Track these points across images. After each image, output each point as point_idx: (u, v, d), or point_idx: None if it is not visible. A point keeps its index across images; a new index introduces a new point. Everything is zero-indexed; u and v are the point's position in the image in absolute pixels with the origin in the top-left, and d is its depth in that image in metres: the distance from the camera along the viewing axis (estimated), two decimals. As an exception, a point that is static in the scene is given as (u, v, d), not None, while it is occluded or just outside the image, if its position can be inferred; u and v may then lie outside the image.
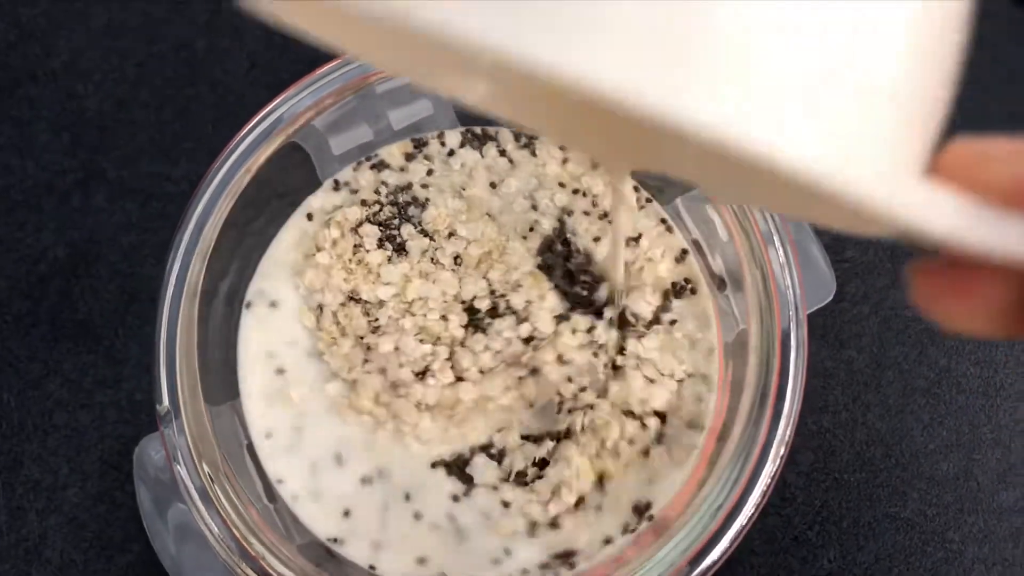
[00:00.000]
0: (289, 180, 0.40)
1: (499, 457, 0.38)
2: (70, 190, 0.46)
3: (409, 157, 0.41)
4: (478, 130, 0.42)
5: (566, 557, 0.37)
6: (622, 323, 0.39)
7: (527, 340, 0.39)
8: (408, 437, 0.38)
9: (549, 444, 0.38)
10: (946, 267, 0.19)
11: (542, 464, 0.38)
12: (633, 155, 0.28)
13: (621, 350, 0.38)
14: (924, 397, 0.44)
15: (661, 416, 0.38)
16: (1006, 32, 0.47)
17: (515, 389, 0.39)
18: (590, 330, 0.39)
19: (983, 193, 0.18)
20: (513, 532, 0.37)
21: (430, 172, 0.41)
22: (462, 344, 0.39)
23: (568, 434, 0.38)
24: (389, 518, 0.38)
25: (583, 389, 0.38)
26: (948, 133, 0.20)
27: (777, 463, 0.34)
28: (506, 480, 0.38)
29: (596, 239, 0.40)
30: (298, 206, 0.41)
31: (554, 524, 0.38)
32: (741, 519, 0.34)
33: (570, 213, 0.41)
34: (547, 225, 0.40)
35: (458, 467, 0.38)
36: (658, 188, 0.41)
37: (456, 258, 0.40)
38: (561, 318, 0.39)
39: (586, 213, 0.41)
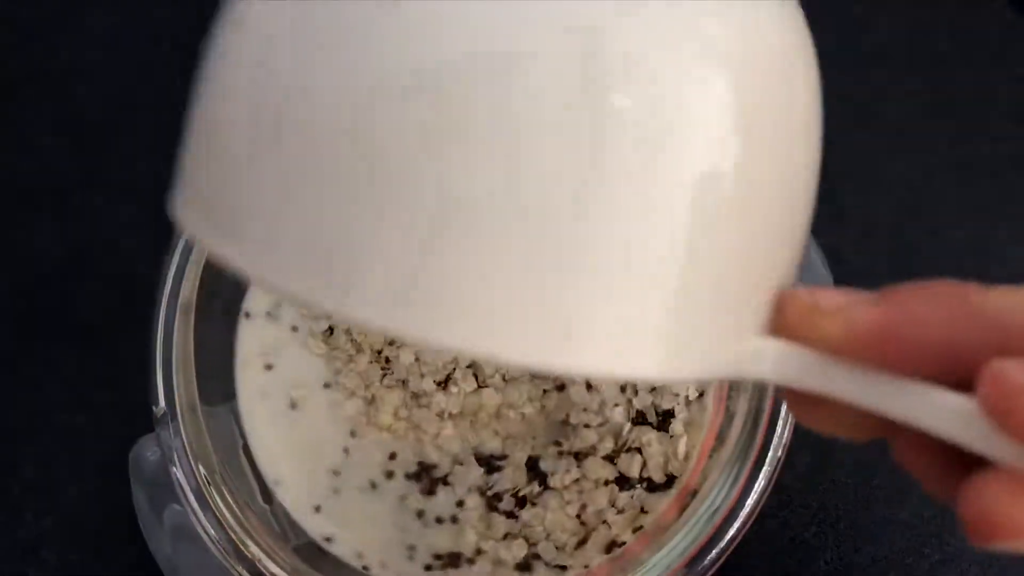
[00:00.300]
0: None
1: (494, 467, 0.38)
2: (69, 191, 0.46)
3: None
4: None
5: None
6: None
7: None
8: (428, 447, 0.38)
9: (535, 487, 0.38)
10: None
11: (521, 502, 0.38)
12: None
13: (636, 391, 0.39)
14: (922, 399, 0.44)
15: (659, 484, 0.38)
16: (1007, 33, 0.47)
17: (538, 400, 0.39)
18: None
19: (815, 345, 0.19)
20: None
21: None
22: None
23: (551, 481, 0.38)
24: (381, 515, 0.38)
25: (600, 424, 0.38)
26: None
27: (775, 466, 0.34)
28: (483, 494, 0.38)
29: None
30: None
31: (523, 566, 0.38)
32: (738, 522, 0.34)
33: None
34: None
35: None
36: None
37: None
38: None
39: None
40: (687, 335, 0.19)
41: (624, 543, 0.37)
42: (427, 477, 0.38)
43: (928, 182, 0.46)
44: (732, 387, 0.38)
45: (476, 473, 0.38)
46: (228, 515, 0.35)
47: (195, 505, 0.34)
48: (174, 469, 0.35)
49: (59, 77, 0.47)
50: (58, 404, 0.44)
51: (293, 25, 0.19)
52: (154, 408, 0.35)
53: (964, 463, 0.19)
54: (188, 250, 0.36)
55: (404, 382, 0.39)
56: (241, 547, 0.34)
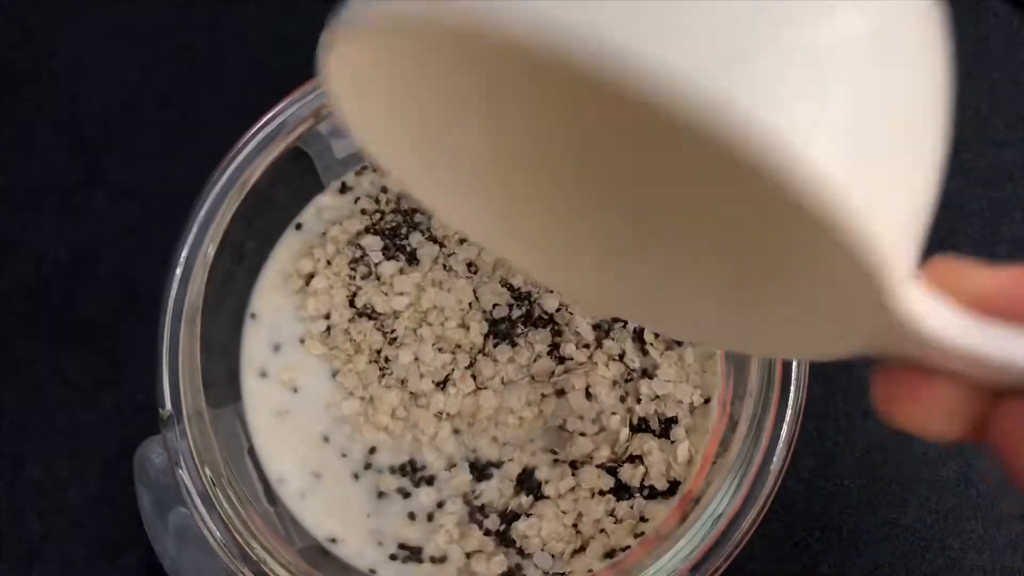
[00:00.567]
0: (293, 184, 0.40)
1: (484, 475, 0.38)
2: (72, 191, 0.46)
3: None
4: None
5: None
6: (646, 340, 0.39)
7: (560, 360, 0.39)
8: (425, 448, 0.38)
9: (525, 499, 0.38)
10: (905, 372, 0.20)
11: (511, 519, 0.38)
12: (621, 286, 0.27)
13: (638, 399, 0.39)
14: (924, 404, 0.44)
15: (661, 491, 0.38)
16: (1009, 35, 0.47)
17: (536, 405, 0.39)
18: (622, 356, 0.39)
19: (966, 300, 0.19)
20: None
21: None
22: (483, 353, 0.39)
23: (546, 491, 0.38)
24: (386, 516, 0.38)
25: (597, 433, 0.38)
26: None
27: (779, 472, 0.34)
28: (467, 502, 0.38)
29: None
30: (302, 210, 0.41)
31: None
32: (742, 527, 0.34)
33: None
34: None
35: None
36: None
37: (470, 265, 0.40)
38: (597, 329, 0.39)
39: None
40: (900, 205, 0.17)
41: (626, 548, 0.37)
42: (412, 474, 0.38)
43: (931, 187, 0.46)
44: (736, 392, 0.38)
45: (464, 479, 0.38)
46: (233, 517, 0.35)
47: (200, 507, 0.34)
48: (180, 471, 0.35)
49: (61, 76, 0.47)
50: (61, 404, 0.44)
51: None
52: (160, 410, 0.35)
53: None
54: (194, 251, 0.36)
55: (403, 382, 0.39)
56: (246, 549, 0.34)
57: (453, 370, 0.38)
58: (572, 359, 0.39)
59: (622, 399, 0.39)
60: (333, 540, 0.38)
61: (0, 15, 0.48)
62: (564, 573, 0.37)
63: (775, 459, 0.34)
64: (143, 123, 0.47)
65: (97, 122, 0.47)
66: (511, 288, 0.39)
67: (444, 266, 0.40)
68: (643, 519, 0.38)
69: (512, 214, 0.26)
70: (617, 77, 0.14)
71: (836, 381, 0.44)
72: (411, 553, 0.38)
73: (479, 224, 0.26)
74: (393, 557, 0.38)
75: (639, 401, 0.38)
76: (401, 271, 0.40)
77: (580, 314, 0.39)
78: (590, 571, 0.37)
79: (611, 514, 0.38)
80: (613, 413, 0.38)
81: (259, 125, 0.38)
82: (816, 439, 0.43)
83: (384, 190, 0.41)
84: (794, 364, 0.35)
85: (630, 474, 0.38)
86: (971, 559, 0.42)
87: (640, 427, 0.38)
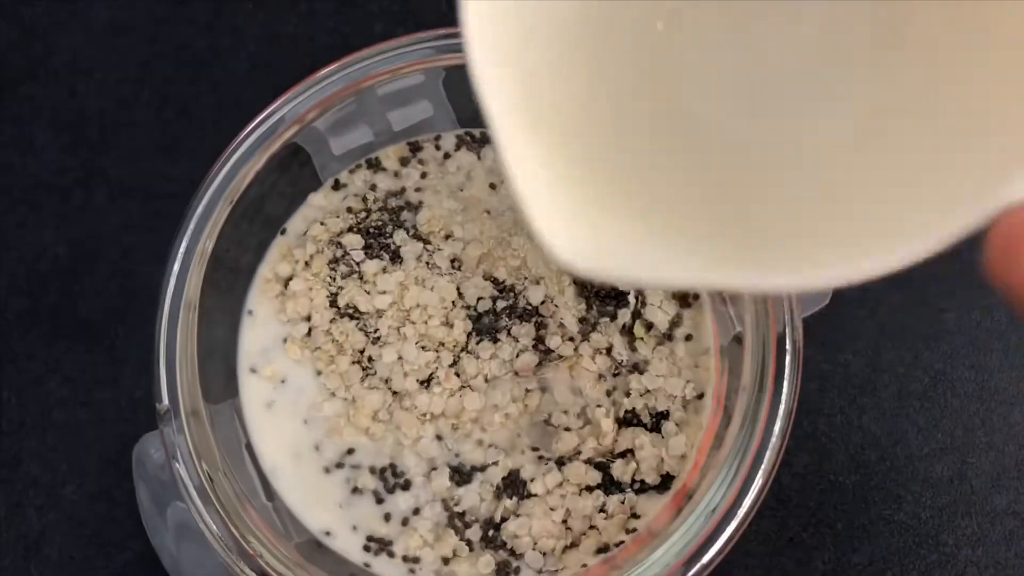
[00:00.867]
0: (290, 180, 0.40)
1: (465, 480, 0.38)
2: (70, 189, 0.46)
3: (404, 161, 0.41)
4: (476, 132, 0.42)
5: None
6: (635, 335, 0.39)
7: (546, 352, 0.39)
8: (407, 452, 0.38)
9: (509, 502, 0.38)
10: None
11: (495, 526, 0.38)
12: None
13: (627, 393, 0.39)
14: (919, 401, 0.44)
15: (653, 485, 0.38)
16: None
17: (521, 401, 0.39)
18: (609, 350, 0.39)
19: None
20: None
21: (424, 176, 0.41)
22: (466, 350, 0.39)
23: (533, 489, 0.38)
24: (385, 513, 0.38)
25: (582, 427, 0.38)
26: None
27: (772, 466, 0.34)
28: (447, 508, 0.38)
29: None
30: (299, 207, 0.41)
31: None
32: (736, 521, 0.34)
33: None
34: None
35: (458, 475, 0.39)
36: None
37: (453, 261, 0.40)
38: (583, 323, 0.39)
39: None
40: None
41: (619, 543, 0.38)
42: (391, 478, 0.38)
43: (926, 184, 0.46)
44: (730, 387, 0.38)
45: (444, 484, 0.38)
46: (230, 512, 0.35)
47: (198, 502, 0.34)
48: (177, 466, 0.35)
49: (59, 75, 0.47)
50: (60, 401, 0.44)
51: None
52: (157, 405, 0.35)
53: None
54: (192, 248, 0.37)
55: (387, 381, 0.39)
56: (243, 544, 0.34)
57: (437, 368, 0.39)
58: (557, 352, 0.39)
59: (608, 393, 0.39)
60: (328, 533, 0.38)
61: (-1, 13, 0.48)
62: (556, 570, 0.37)
63: (769, 453, 0.34)
64: (141, 121, 0.47)
65: (95, 120, 0.47)
66: (495, 281, 0.40)
67: (427, 264, 0.40)
68: (635, 515, 0.38)
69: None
70: None
71: (831, 378, 0.44)
72: (381, 546, 0.38)
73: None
74: (366, 548, 0.38)
75: (628, 395, 0.39)
76: (384, 270, 0.40)
77: (564, 308, 0.39)
78: (584, 566, 0.37)
79: (601, 510, 0.38)
80: (598, 406, 0.38)
81: (256, 122, 0.38)
82: (811, 435, 0.44)
83: (373, 187, 0.41)
84: (787, 360, 0.35)
85: (621, 470, 0.38)
86: (965, 555, 0.43)
87: (630, 421, 0.38)
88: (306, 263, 0.40)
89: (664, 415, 0.38)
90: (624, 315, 0.39)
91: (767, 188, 0.26)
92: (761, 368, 0.35)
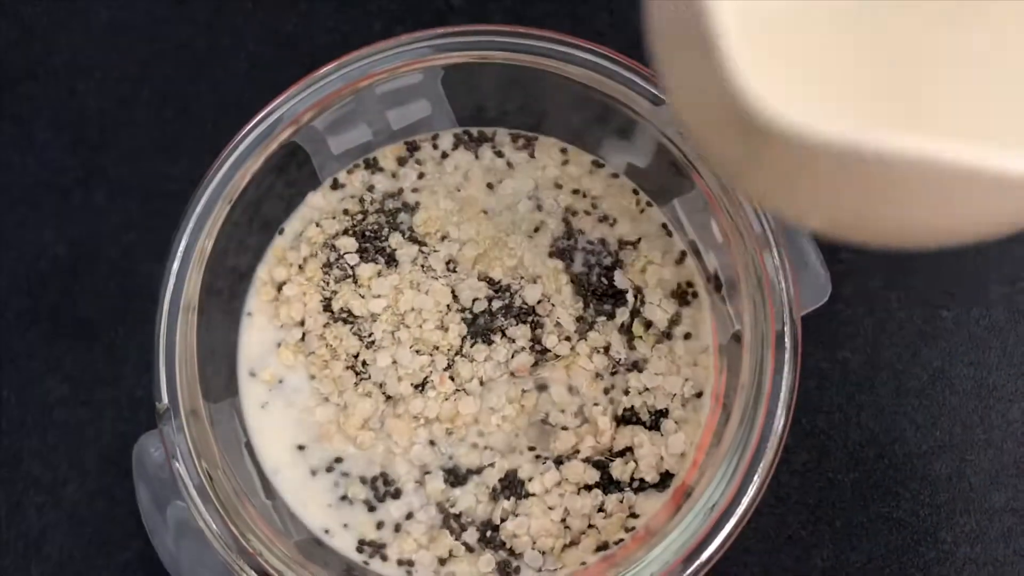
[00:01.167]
0: (289, 180, 0.40)
1: (459, 481, 0.38)
2: (70, 188, 0.46)
3: (401, 161, 0.41)
4: (474, 132, 0.42)
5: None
6: (634, 334, 0.39)
7: (542, 352, 0.39)
8: (399, 459, 0.38)
9: (506, 503, 0.38)
10: None
11: (493, 527, 0.38)
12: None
13: (626, 391, 0.39)
14: (917, 398, 0.44)
15: (651, 484, 0.38)
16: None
17: (518, 401, 0.39)
18: (607, 349, 0.39)
19: None
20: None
21: (421, 176, 0.41)
22: (460, 353, 0.39)
23: (532, 488, 0.38)
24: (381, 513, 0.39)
25: (579, 426, 0.38)
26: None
27: (771, 463, 0.34)
28: (442, 510, 0.38)
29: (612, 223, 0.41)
30: (298, 207, 0.41)
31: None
32: (735, 519, 0.34)
33: (574, 213, 0.41)
34: (553, 225, 0.41)
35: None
36: (657, 193, 0.41)
37: (449, 263, 0.40)
38: (581, 322, 0.39)
39: (588, 213, 0.41)
40: None
41: (619, 542, 0.38)
42: (381, 487, 0.38)
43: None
44: (729, 385, 0.38)
45: (438, 487, 0.38)
46: (229, 510, 0.35)
47: (197, 500, 0.35)
48: (176, 465, 0.35)
49: (59, 74, 0.47)
50: (60, 400, 0.44)
51: None
52: (157, 404, 0.35)
53: None
54: (191, 247, 0.37)
55: (381, 385, 0.39)
56: (243, 542, 0.34)
57: (431, 372, 0.39)
58: (553, 351, 0.39)
59: (606, 391, 0.39)
60: (327, 531, 0.38)
61: (-2, 13, 0.48)
62: (556, 569, 0.37)
63: (767, 451, 0.34)
64: (141, 120, 0.47)
65: (95, 119, 0.47)
66: (490, 281, 0.40)
67: (423, 267, 0.40)
68: (634, 514, 0.38)
69: None
70: None
71: (829, 376, 0.44)
72: (375, 549, 0.38)
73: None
74: (360, 551, 0.38)
75: (627, 393, 0.39)
76: (379, 273, 0.40)
77: (561, 307, 0.39)
78: (583, 564, 0.37)
79: (600, 508, 0.38)
80: (595, 405, 0.38)
81: (255, 121, 0.38)
82: (809, 433, 0.44)
83: (371, 188, 0.41)
84: (785, 357, 0.35)
85: (620, 469, 0.38)
86: (963, 552, 0.43)
87: (629, 419, 0.39)
88: (300, 267, 0.40)
89: (663, 413, 0.39)
90: (622, 314, 0.39)
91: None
92: (760, 366, 0.35)
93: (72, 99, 0.47)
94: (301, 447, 0.39)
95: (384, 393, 0.39)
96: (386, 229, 0.40)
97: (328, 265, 0.40)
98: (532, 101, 0.40)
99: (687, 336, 0.39)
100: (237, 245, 0.39)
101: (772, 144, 0.21)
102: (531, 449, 0.39)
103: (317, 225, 0.40)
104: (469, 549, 0.38)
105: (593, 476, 0.38)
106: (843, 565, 0.43)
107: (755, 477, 0.34)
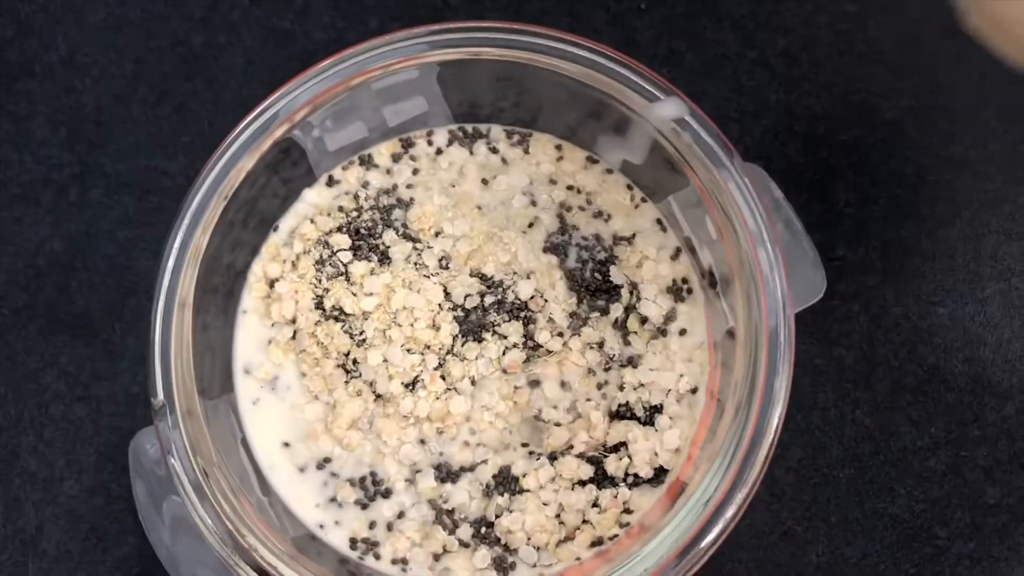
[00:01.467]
0: (285, 177, 0.40)
1: (450, 478, 0.38)
2: (67, 184, 0.46)
3: (396, 157, 0.42)
4: (469, 128, 0.42)
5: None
6: (628, 329, 0.39)
7: (534, 348, 0.39)
8: (388, 459, 0.39)
9: (500, 500, 0.38)
10: None
11: (488, 524, 0.38)
12: None
13: (621, 387, 0.39)
14: (913, 395, 0.44)
15: (646, 479, 0.38)
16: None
17: (510, 398, 0.39)
18: (601, 344, 0.39)
19: None
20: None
21: (416, 172, 0.41)
22: (452, 352, 0.39)
23: (525, 485, 0.38)
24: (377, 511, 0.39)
25: (572, 422, 0.38)
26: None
27: (765, 459, 0.35)
28: (435, 507, 0.38)
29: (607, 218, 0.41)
30: (293, 204, 0.41)
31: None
32: (729, 514, 0.34)
33: (569, 209, 0.41)
34: (547, 220, 0.41)
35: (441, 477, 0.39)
36: (651, 189, 0.41)
37: (442, 259, 0.40)
38: (574, 317, 0.39)
39: (582, 209, 0.41)
40: None
41: (613, 537, 0.38)
42: (371, 487, 0.38)
43: (922, 179, 0.46)
44: (724, 380, 0.38)
45: (429, 485, 0.38)
46: (226, 507, 0.35)
47: (193, 497, 0.35)
48: (172, 461, 0.35)
49: (56, 70, 0.47)
50: (57, 395, 0.44)
51: None
52: (152, 401, 0.35)
53: None
54: (185, 245, 0.37)
55: (371, 384, 0.39)
56: (239, 538, 0.34)
57: (422, 371, 0.39)
58: (545, 347, 0.39)
59: (600, 387, 0.39)
60: (322, 527, 0.38)
61: (-5, 9, 0.48)
62: (551, 564, 0.38)
63: (762, 447, 0.34)
64: (137, 117, 0.47)
65: (92, 116, 0.47)
66: (483, 277, 0.40)
67: (416, 264, 0.40)
68: (628, 509, 0.38)
69: None
70: None
71: (824, 372, 0.44)
72: (368, 547, 0.38)
73: None
74: (352, 548, 0.38)
75: (621, 389, 0.39)
76: (372, 271, 0.40)
77: (554, 302, 0.39)
78: (578, 559, 0.37)
79: (594, 504, 0.38)
80: (588, 400, 0.39)
81: (251, 117, 0.38)
82: (804, 429, 0.44)
83: (365, 185, 0.41)
84: (779, 354, 0.35)
85: (615, 465, 0.38)
86: (958, 548, 0.43)
87: (623, 415, 0.39)
88: (293, 263, 0.40)
89: (658, 409, 0.39)
90: (616, 310, 0.39)
91: None
92: (754, 362, 0.35)
93: (69, 96, 0.47)
94: (287, 444, 0.39)
95: (374, 392, 0.39)
96: (380, 226, 0.40)
97: (321, 262, 0.40)
98: (527, 97, 0.40)
99: (682, 332, 0.40)
100: (233, 242, 0.39)
101: None
102: (524, 445, 0.39)
103: (311, 222, 0.40)
104: (464, 545, 0.38)
105: (587, 471, 0.38)
106: (838, 561, 0.43)
107: (749, 473, 0.34)
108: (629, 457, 0.38)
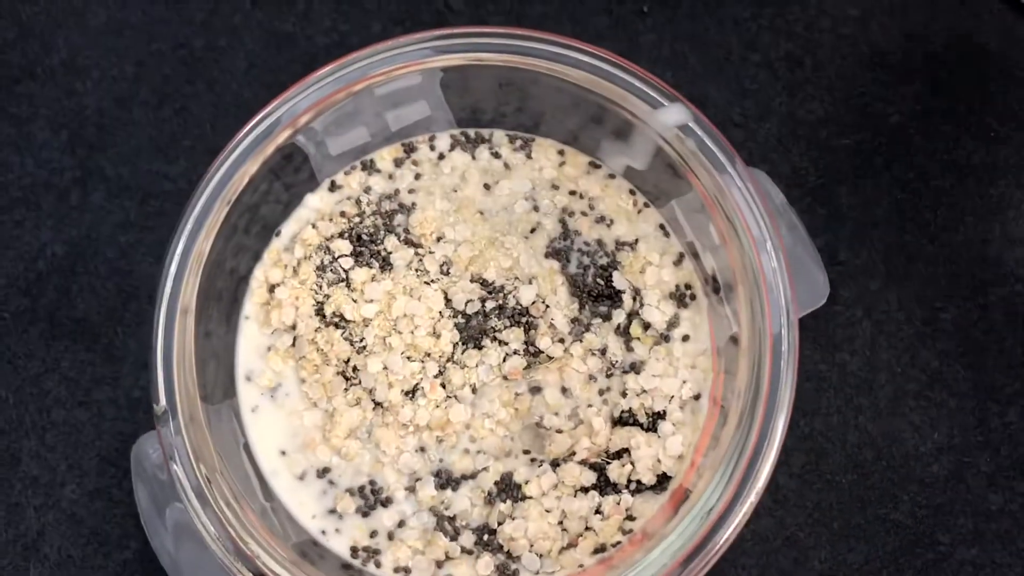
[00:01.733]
0: (287, 182, 0.40)
1: (450, 485, 0.38)
2: (68, 188, 0.46)
3: (398, 162, 0.41)
4: (471, 132, 0.42)
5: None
6: (631, 335, 0.39)
7: (535, 354, 0.39)
8: (387, 468, 0.38)
9: (503, 506, 0.38)
10: None
11: (490, 531, 0.38)
12: None
13: (623, 393, 0.39)
14: (915, 400, 0.44)
15: (649, 486, 0.38)
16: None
17: (511, 405, 0.39)
18: (603, 351, 0.39)
19: None
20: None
21: (418, 177, 0.41)
22: (452, 360, 0.39)
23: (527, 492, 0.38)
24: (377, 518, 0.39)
25: (574, 428, 0.38)
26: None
27: (769, 466, 0.34)
28: (436, 514, 0.38)
29: (609, 223, 0.41)
30: (295, 209, 0.41)
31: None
32: (733, 522, 0.34)
33: (571, 214, 0.41)
34: (550, 225, 0.41)
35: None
36: (654, 195, 0.41)
37: (443, 265, 0.40)
38: (576, 323, 0.39)
39: (584, 214, 0.41)
40: None
41: (616, 544, 0.38)
42: (370, 496, 0.38)
43: (924, 183, 0.46)
44: (727, 387, 0.38)
45: (430, 493, 0.38)
46: (228, 513, 0.35)
47: (195, 503, 0.34)
48: (175, 467, 0.35)
49: (57, 73, 0.47)
50: (58, 400, 0.44)
51: None
52: (155, 406, 0.35)
53: None
54: (188, 250, 0.36)
55: (371, 391, 0.38)
56: (241, 545, 0.34)
57: (422, 379, 0.38)
58: (546, 353, 0.39)
59: (601, 393, 0.39)
60: (324, 533, 0.38)
61: (-4, 12, 0.48)
62: (553, 571, 0.37)
63: (765, 453, 0.34)
64: (139, 120, 0.47)
65: (93, 119, 0.47)
66: (484, 283, 0.40)
67: (416, 271, 0.40)
68: (631, 516, 0.38)
69: None
70: None
71: (827, 378, 0.44)
72: (369, 555, 0.38)
73: None
74: (353, 556, 0.38)
75: (624, 395, 0.39)
76: (373, 278, 0.39)
77: (556, 308, 0.39)
78: (580, 566, 0.37)
79: (597, 511, 0.38)
80: (589, 406, 0.38)
81: (254, 122, 0.38)
82: (808, 435, 0.44)
83: (367, 190, 0.41)
84: (783, 359, 0.35)
85: (618, 471, 0.38)
86: (961, 554, 0.43)
87: (626, 421, 0.38)
88: (294, 269, 0.40)
89: (661, 415, 0.39)
90: (619, 315, 0.39)
91: None
92: (757, 368, 0.35)
93: (70, 99, 0.47)
94: (283, 452, 0.39)
95: (373, 400, 0.38)
96: (382, 232, 0.40)
97: (322, 268, 0.40)
98: (530, 103, 0.40)
99: (685, 338, 0.39)
100: (235, 247, 0.39)
101: None
102: (526, 452, 0.39)
103: (313, 227, 0.40)
104: (467, 552, 0.38)
105: (590, 478, 0.38)
106: (841, 567, 0.43)
107: (753, 480, 0.34)
108: (632, 464, 0.38)
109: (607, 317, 0.39)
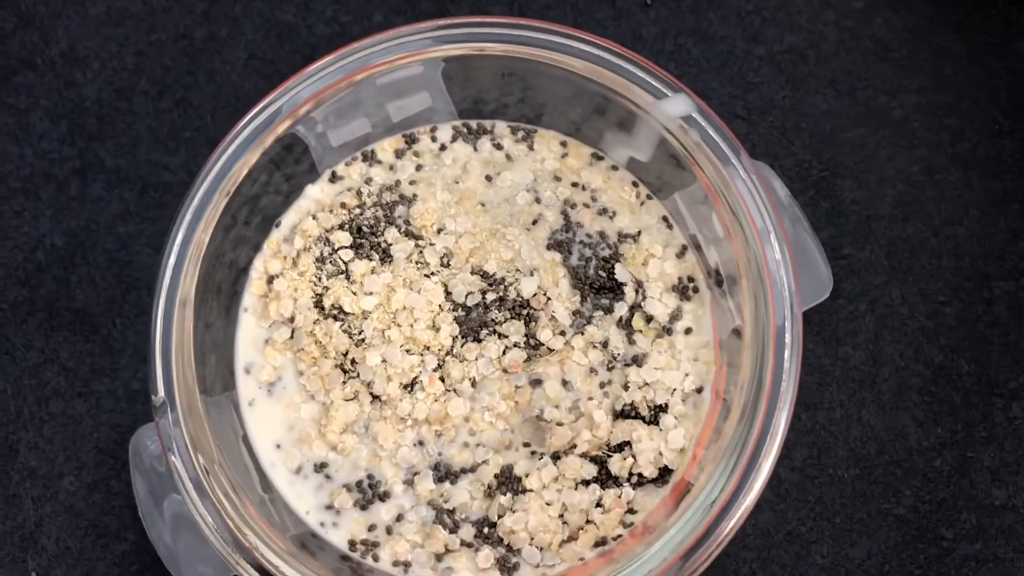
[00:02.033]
0: (288, 173, 0.40)
1: (449, 478, 0.38)
2: (68, 178, 0.46)
3: (399, 153, 0.41)
4: (473, 124, 0.41)
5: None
6: (633, 328, 0.39)
7: (536, 347, 0.39)
8: (385, 462, 0.38)
9: (503, 499, 0.37)
10: None
11: (490, 524, 0.38)
12: None
13: (625, 386, 0.39)
14: (919, 395, 0.44)
15: (650, 479, 0.38)
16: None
17: (511, 398, 0.38)
18: (605, 343, 0.39)
19: None
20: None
21: (419, 168, 0.41)
22: (451, 353, 0.39)
23: (528, 484, 0.38)
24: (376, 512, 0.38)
25: (574, 421, 0.38)
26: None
27: (771, 459, 0.34)
28: (435, 507, 0.38)
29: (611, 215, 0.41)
30: (296, 200, 0.41)
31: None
32: (734, 515, 0.34)
33: (573, 206, 0.41)
34: (551, 217, 0.40)
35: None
36: (657, 186, 0.41)
37: (444, 257, 0.40)
38: (577, 316, 0.39)
39: (587, 206, 0.41)
40: None
41: (617, 537, 0.37)
42: (368, 490, 0.38)
43: (928, 177, 0.46)
44: (730, 381, 0.38)
45: (428, 487, 0.38)
46: (227, 504, 0.35)
47: (194, 494, 0.34)
48: (173, 458, 0.35)
49: (57, 64, 0.47)
50: (57, 391, 0.44)
51: None
52: (153, 398, 0.35)
53: None
54: (187, 241, 0.36)
55: (369, 384, 0.38)
56: (239, 536, 0.34)
57: (421, 372, 0.38)
58: (547, 346, 0.39)
59: (602, 386, 0.39)
60: (323, 525, 0.38)
61: (-4, 1, 0.48)
62: (554, 564, 0.37)
63: (768, 447, 0.34)
64: (139, 111, 0.47)
65: (93, 109, 0.47)
66: (484, 275, 0.39)
67: (417, 263, 0.39)
68: (632, 510, 0.38)
69: None
70: None
71: (830, 372, 0.44)
72: (368, 548, 0.38)
73: None
74: (352, 549, 0.38)
75: (626, 388, 0.38)
76: (373, 270, 0.39)
77: (557, 300, 0.39)
78: (581, 560, 0.37)
79: (598, 504, 0.38)
80: (590, 399, 0.38)
81: (254, 112, 0.37)
82: (810, 429, 0.43)
83: (368, 181, 0.41)
84: (786, 353, 0.35)
85: (619, 464, 0.38)
86: (963, 549, 0.43)
87: (628, 414, 0.38)
88: (293, 261, 0.40)
89: (663, 408, 0.38)
90: (621, 308, 0.39)
91: None
92: (760, 362, 0.35)
93: (69, 89, 0.47)
94: (279, 446, 0.39)
95: (371, 393, 0.38)
96: (382, 224, 0.40)
97: (321, 260, 0.40)
98: (532, 94, 0.40)
99: (688, 331, 0.39)
100: (235, 239, 0.39)
101: None
102: (526, 445, 0.38)
103: (313, 218, 0.40)
104: (466, 545, 0.38)
105: (591, 471, 0.38)
106: (843, 561, 0.43)
107: (755, 473, 0.34)
108: (633, 457, 0.38)
109: (609, 310, 0.39)
